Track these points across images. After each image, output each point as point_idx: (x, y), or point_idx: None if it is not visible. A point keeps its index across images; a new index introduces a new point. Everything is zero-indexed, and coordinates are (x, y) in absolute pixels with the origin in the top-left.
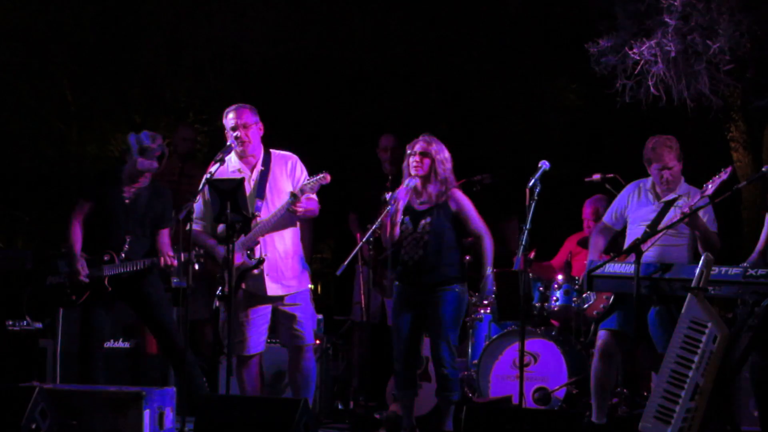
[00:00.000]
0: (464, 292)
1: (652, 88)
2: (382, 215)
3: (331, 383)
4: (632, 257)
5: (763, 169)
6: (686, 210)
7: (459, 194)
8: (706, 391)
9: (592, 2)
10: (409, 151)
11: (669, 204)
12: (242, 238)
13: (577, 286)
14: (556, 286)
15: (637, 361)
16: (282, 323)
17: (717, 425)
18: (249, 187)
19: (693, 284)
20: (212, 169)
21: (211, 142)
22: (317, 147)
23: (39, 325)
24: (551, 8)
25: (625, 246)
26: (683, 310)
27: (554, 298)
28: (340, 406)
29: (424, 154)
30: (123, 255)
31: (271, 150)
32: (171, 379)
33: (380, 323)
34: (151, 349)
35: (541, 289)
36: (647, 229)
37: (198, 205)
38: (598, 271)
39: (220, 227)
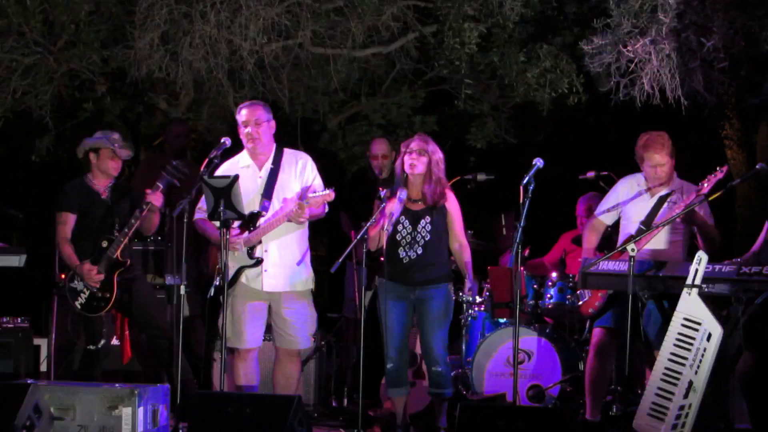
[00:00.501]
0: (452, 290)
1: (646, 86)
2: (376, 214)
3: (326, 380)
4: (626, 254)
5: (757, 167)
6: (681, 206)
7: (453, 197)
8: (700, 389)
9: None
10: (404, 149)
11: (662, 199)
12: (246, 234)
13: (571, 284)
14: (550, 283)
15: (631, 359)
16: (276, 324)
17: (711, 422)
18: (257, 185)
19: (687, 282)
20: (223, 167)
21: (202, 140)
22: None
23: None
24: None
25: (619, 243)
26: (677, 308)
27: (548, 295)
28: (334, 403)
29: (421, 152)
30: (115, 234)
31: (284, 148)
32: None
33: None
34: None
35: (535, 286)
36: (641, 226)
37: (203, 197)
38: (593, 269)
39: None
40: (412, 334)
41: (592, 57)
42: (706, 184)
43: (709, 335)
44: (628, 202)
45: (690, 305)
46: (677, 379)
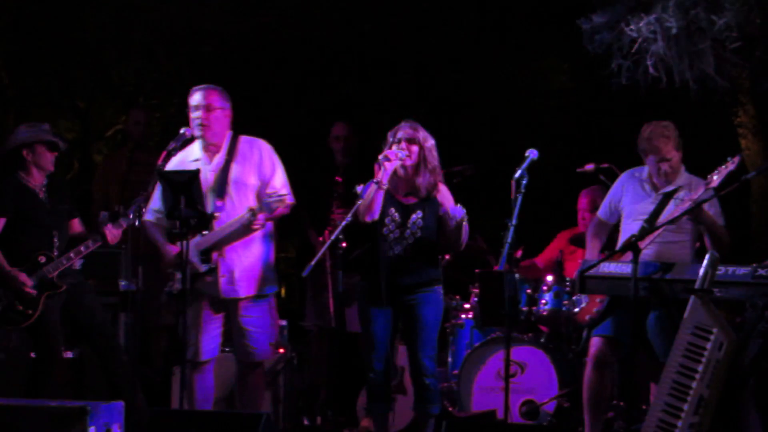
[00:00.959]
0: (442, 295)
1: (651, 69)
2: (355, 207)
3: (296, 396)
4: (627, 256)
5: None
6: (687, 203)
7: (445, 189)
8: (712, 404)
9: None
10: (391, 139)
11: (668, 196)
12: (198, 237)
13: (568, 288)
14: (545, 288)
15: (635, 371)
16: (235, 334)
17: None
18: (208, 181)
19: (697, 285)
20: (174, 160)
21: (163, 129)
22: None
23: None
24: None
25: (620, 243)
26: (686, 315)
27: (543, 301)
28: (306, 422)
29: (411, 141)
30: (56, 252)
31: (240, 136)
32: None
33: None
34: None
35: (528, 291)
36: (645, 224)
37: (155, 195)
38: (592, 272)
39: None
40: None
41: (590, 37)
42: (716, 177)
43: (722, 345)
44: (631, 199)
45: (700, 312)
46: (687, 393)
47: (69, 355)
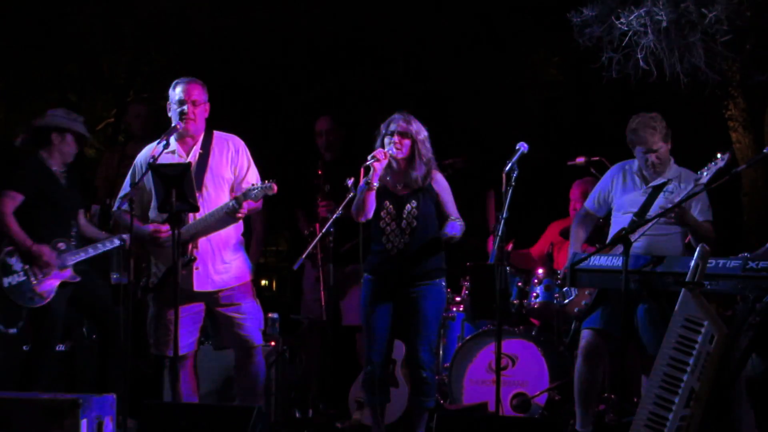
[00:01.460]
0: (445, 287)
1: (641, 62)
2: (346, 199)
3: (288, 389)
4: (618, 249)
5: (765, 150)
6: (676, 197)
7: (441, 177)
8: (703, 397)
9: None
10: (384, 131)
11: (657, 189)
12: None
13: (559, 281)
14: (536, 281)
15: (626, 364)
16: (222, 326)
17: None
18: None
19: (688, 278)
20: (156, 152)
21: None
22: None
23: (13, 330)
24: None
25: (610, 236)
26: (677, 307)
27: (534, 294)
28: (297, 414)
29: (403, 134)
30: (73, 241)
31: (214, 131)
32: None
33: (334, 324)
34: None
35: (519, 284)
36: (634, 218)
37: (125, 182)
38: (583, 265)
39: (152, 214)
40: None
41: (580, 30)
42: (705, 173)
43: (713, 338)
44: (620, 191)
45: (691, 304)
46: (678, 386)
47: (61, 348)
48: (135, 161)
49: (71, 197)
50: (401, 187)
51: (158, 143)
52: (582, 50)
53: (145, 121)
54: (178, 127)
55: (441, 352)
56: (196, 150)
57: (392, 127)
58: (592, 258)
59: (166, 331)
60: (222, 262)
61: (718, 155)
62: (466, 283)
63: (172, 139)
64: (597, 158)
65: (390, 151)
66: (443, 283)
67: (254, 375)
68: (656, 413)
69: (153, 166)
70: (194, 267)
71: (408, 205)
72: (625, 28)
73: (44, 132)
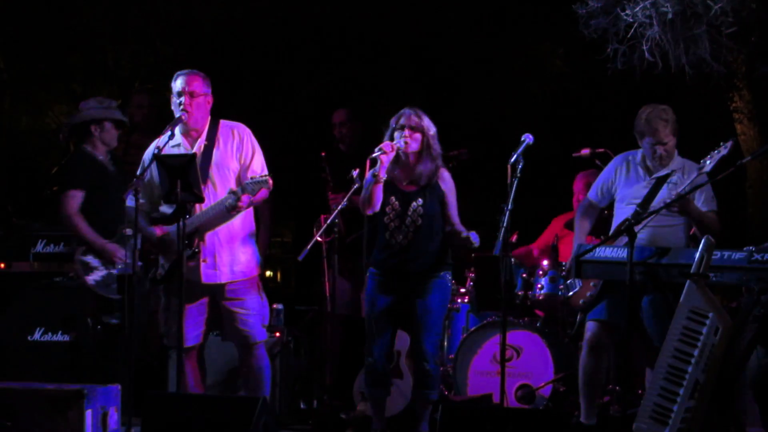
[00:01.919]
0: (450, 280)
1: (646, 54)
2: (350, 191)
3: (293, 380)
4: (622, 240)
5: None
6: (680, 188)
7: (448, 175)
8: (708, 389)
9: None
10: (393, 125)
11: (661, 180)
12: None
13: (564, 273)
14: (541, 272)
15: (631, 356)
16: (225, 320)
17: (719, 426)
18: None
19: (693, 270)
20: (160, 143)
21: (159, 113)
22: (276, 121)
23: (114, 321)
24: None
25: (613, 227)
26: (681, 299)
27: (539, 285)
28: (303, 405)
29: (414, 128)
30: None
31: (220, 120)
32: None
33: (353, 316)
34: None
35: (524, 276)
36: (638, 209)
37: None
38: (588, 256)
39: (162, 207)
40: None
41: (586, 22)
42: (708, 162)
43: (718, 329)
44: (624, 182)
45: (696, 296)
46: (682, 378)
47: (65, 338)
48: (143, 156)
49: (120, 182)
50: (408, 183)
51: (163, 134)
52: (587, 42)
53: (148, 112)
54: (183, 118)
55: (446, 343)
56: (201, 142)
57: (402, 120)
58: (597, 249)
59: (176, 322)
60: (230, 255)
61: (721, 143)
62: (471, 275)
63: (178, 133)
64: (602, 150)
65: (399, 145)
66: (448, 276)
67: (257, 370)
68: (661, 405)
69: (158, 156)
70: (201, 259)
71: (414, 202)
72: (631, 20)
73: (83, 127)
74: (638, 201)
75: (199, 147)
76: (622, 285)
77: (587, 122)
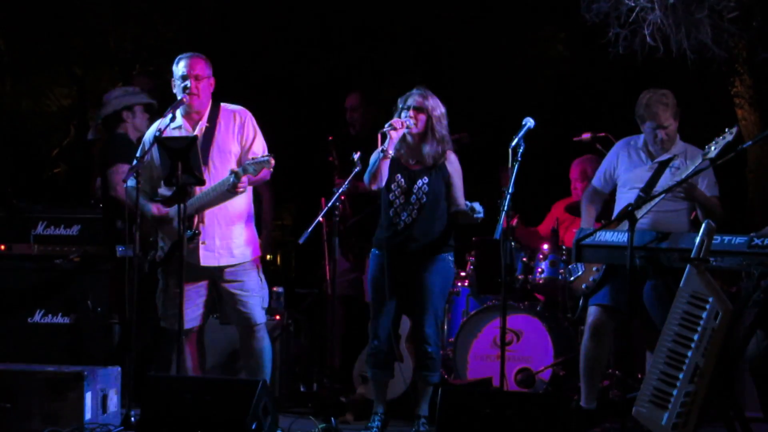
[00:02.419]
0: (453, 262)
1: (648, 38)
2: (352, 174)
3: (293, 363)
4: (624, 225)
5: None
6: (683, 173)
7: (455, 157)
8: (707, 373)
9: None
10: (401, 105)
11: (664, 165)
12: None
13: (564, 257)
14: (541, 256)
15: (631, 340)
16: (225, 302)
17: (719, 410)
18: None
19: (693, 255)
20: (161, 125)
21: (160, 96)
22: (277, 104)
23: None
24: None
25: (616, 211)
26: (682, 284)
27: (539, 269)
28: (302, 388)
29: (419, 109)
30: None
31: (221, 104)
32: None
33: (354, 296)
34: None
35: (524, 259)
36: (641, 193)
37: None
38: (588, 240)
39: (162, 189)
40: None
41: (587, 6)
42: (713, 148)
43: (718, 314)
44: (626, 167)
45: (696, 281)
46: (682, 362)
47: (65, 320)
48: (144, 138)
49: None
50: (414, 163)
51: (164, 117)
52: (589, 26)
53: (148, 94)
54: (185, 100)
55: (446, 327)
56: (202, 124)
57: (409, 102)
58: (598, 234)
59: (173, 305)
60: (229, 238)
61: (726, 130)
62: (472, 258)
63: (179, 115)
64: (603, 134)
65: (408, 123)
66: (450, 258)
67: (258, 353)
68: (661, 389)
69: (159, 139)
70: (200, 241)
71: (420, 180)
72: (632, 4)
73: (114, 117)
74: (641, 186)
75: (200, 129)
76: (624, 270)
77: (588, 106)
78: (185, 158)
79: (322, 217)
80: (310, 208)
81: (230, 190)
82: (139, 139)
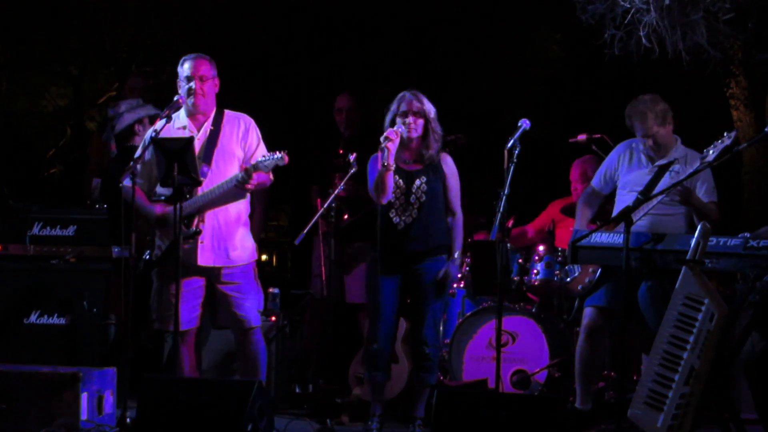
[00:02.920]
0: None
1: (643, 40)
2: (348, 175)
3: (288, 364)
4: (621, 226)
5: (766, 129)
6: (682, 177)
7: (451, 160)
8: (703, 375)
9: None
10: (394, 110)
11: (663, 168)
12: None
13: (560, 258)
14: (536, 257)
15: (626, 342)
16: (220, 304)
17: (714, 412)
18: (195, 148)
19: (688, 256)
20: (158, 126)
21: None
22: (273, 104)
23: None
24: None
25: (614, 214)
26: (677, 285)
27: (535, 271)
28: (297, 390)
29: (417, 113)
30: None
31: (225, 110)
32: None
33: (338, 301)
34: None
35: (520, 261)
36: (639, 196)
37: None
38: (584, 242)
39: (159, 189)
40: None
41: (583, 7)
42: (711, 152)
43: (713, 316)
44: (626, 170)
45: (691, 282)
46: (677, 364)
47: (60, 321)
48: (144, 138)
49: None
50: (409, 163)
51: (161, 118)
52: (584, 27)
53: (140, 94)
54: (181, 101)
55: (441, 328)
56: (207, 126)
57: (404, 106)
58: (594, 235)
59: (169, 305)
60: (228, 239)
61: (725, 134)
62: (467, 260)
63: (184, 116)
64: (598, 135)
65: (401, 131)
66: (446, 259)
67: (253, 355)
68: (656, 391)
69: (156, 140)
70: (199, 241)
71: (418, 180)
72: (628, 6)
73: (127, 131)
74: (640, 188)
75: (205, 130)
76: (620, 271)
77: (584, 108)
78: (181, 159)
79: (317, 218)
80: (307, 209)
81: (238, 186)
82: None
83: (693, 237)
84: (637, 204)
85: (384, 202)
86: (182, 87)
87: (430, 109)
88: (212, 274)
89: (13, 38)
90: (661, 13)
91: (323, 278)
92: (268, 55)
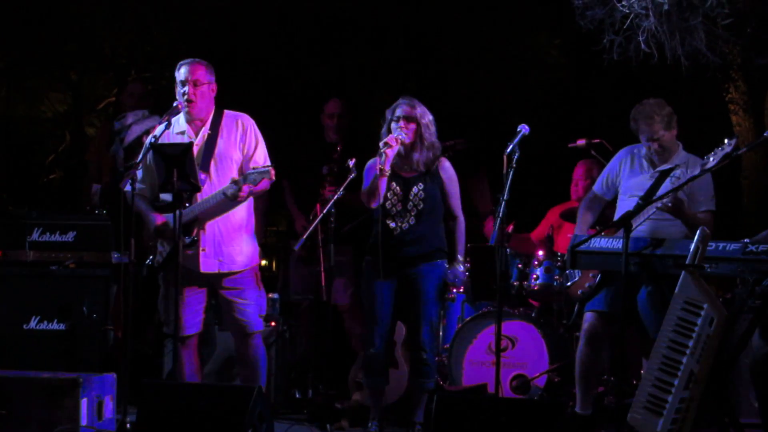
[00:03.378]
0: (446, 269)
1: (642, 45)
2: (346, 180)
3: (288, 369)
4: (621, 231)
5: (766, 134)
6: (683, 181)
7: (449, 165)
8: (702, 380)
9: None
10: (389, 116)
11: (664, 174)
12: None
13: (559, 263)
14: (536, 262)
15: (626, 346)
16: (223, 309)
17: (714, 417)
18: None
19: (688, 261)
20: (157, 131)
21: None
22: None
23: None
24: None
25: (615, 218)
26: (677, 290)
27: (534, 276)
28: (297, 395)
29: (409, 119)
30: None
31: (224, 110)
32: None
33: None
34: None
35: (520, 266)
36: (640, 201)
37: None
38: (583, 247)
39: (162, 195)
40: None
41: (582, 13)
42: (712, 158)
43: (712, 320)
44: (627, 175)
45: (691, 287)
46: (677, 368)
47: (60, 327)
48: (145, 143)
49: None
50: (407, 170)
51: (160, 122)
52: (583, 33)
53: (139, 100)
54: (180, 107)
55: (441, 333)
56: (205, 131)
57: (398, 112)
58: (593, 240)
59: (171, 311)
60: (229, 245)
61: (726, 141)
62: (467, 265)
63: (183, 121)
64: (598, 140)
65: (401, 137)
66: (445, 265)
67: (253, 360)
68: (656, 395)
69: (155, 145)
70: (201, 248)
71: (415, 187)
72: (627, 11)
73: (136, 143)
74: (641, 193)
75: (203, 136)
76: (619, 276)
77: (583, 113)
78: (180, 165)
79: (317, 223)
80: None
81: (230, 199)
82: None
83: (692, 242)
84: (638, 209)
85: (374, 206)
86: (177, 92)
87: (422, 113)
88: (215, 281)
89: (13, 44)
90: (660, 19)
91: (328, 283)
92: (267, 59)
